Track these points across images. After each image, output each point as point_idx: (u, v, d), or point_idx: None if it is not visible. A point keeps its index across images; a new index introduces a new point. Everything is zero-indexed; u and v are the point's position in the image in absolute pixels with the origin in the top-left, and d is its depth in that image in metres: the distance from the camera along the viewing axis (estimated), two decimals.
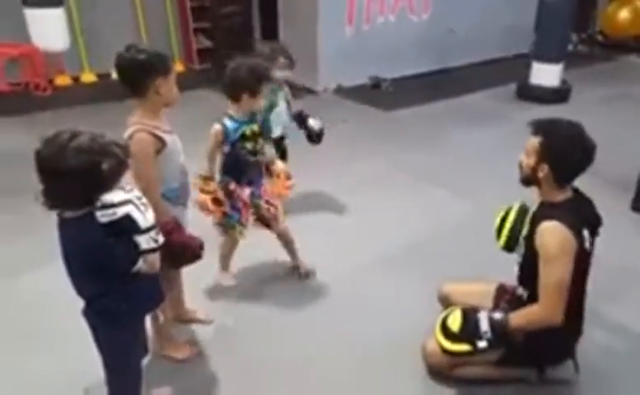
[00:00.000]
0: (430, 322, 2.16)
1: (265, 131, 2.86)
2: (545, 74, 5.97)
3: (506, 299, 2.16)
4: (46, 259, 2.92)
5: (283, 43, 3.25)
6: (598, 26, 8.95)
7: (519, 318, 1.94)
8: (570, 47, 7.68)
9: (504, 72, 7.11)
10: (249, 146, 2.50)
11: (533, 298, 1.97)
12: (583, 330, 2.08)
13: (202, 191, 2.45)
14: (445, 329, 2.02)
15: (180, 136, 2.09)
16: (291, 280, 2.86)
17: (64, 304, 1.90)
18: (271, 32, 6.78)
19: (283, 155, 3.28)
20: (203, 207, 2.47)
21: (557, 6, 5.72)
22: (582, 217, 1.95)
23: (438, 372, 2.17)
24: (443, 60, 7.48)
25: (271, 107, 3.17)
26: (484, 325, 1.94)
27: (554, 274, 1.86)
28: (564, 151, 1.91)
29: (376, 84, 6.68)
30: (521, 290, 2.09)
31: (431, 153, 4.64)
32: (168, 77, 1.87)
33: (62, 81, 6.49)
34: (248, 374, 2.23)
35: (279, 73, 3.11)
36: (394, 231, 3.33)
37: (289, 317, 2.59)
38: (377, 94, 6.51)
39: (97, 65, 6.63)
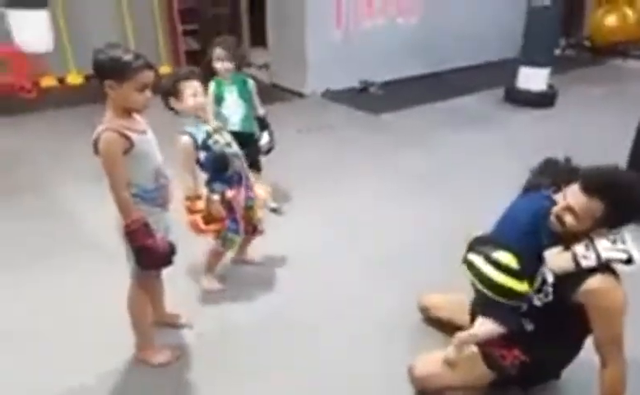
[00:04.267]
0: (410, 334, 2.10)
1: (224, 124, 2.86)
2: (533, 78, 6.00)
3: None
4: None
5: (227, 38, 3.20)
6: (586, 32, 9.03)
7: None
8: (557, 51, 7.74)
9: (493, 76, 7.14)
10: (221, 139, 2.45)
11: (541, 335, 1.90)
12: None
13: (191, 212, 2.40)
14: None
15: (161, 140, 2.06)
16: (278, 283, 2.83)
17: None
18: (259, 35, 6.76)
19: (253, 163, 3.24)
20: (195, 229, 2.42)
21: (545, 13, 5.75)
22: None
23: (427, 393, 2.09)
24: (432, 64, 7.50)
25: (219, 101, 3.18)
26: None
27: (616, 330, 1.74)
28: (628, 211, 1.70)
29: (364, 87, 6.68)
30: (525, 323, 1.95)
31: (420, 156, 4.63)
32: (122, 84, 1.83)
33: (48, 82, 6.43)
34: (229, 380, 2.20)
35: (218, 65, 3.09)
36: (382, 235, 3.31)
37: (272, 322, 2.55)
38: (366, 97, 6.50)
39: (83, 66, 6.58)
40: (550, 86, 6.13)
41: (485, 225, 2.00)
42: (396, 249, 3.13)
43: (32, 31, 5.46)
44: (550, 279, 1.83)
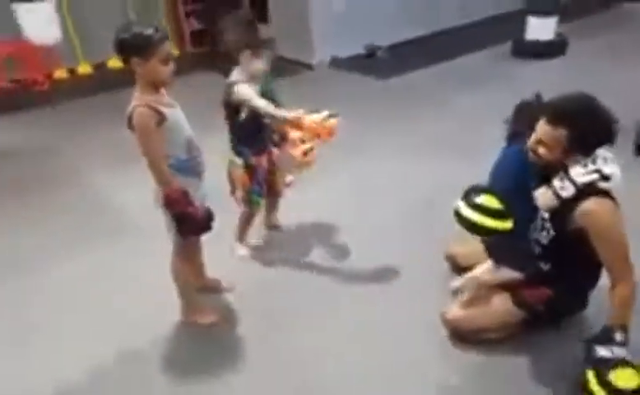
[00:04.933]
0: (437, 284, 2.21)
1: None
2: (540, 28, 5.94)
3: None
4: (61, 251, 3.08)
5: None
6: None
7: (617, 312, 1.83)
8: None
9: (500, 31, 7.04)
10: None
11: (558, 268, 1.99)
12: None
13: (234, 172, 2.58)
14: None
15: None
16: (307, 245, 2.96)
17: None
18: (260, 8, 6.73)
19: None
20: (242, 183, 2.58)
21: None
22: None
23: (459, 335, 2.18)
24: (437, 23, 7.42)
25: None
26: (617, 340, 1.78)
27: (617, 248, 1.81)
28: (596, 135, 1.82)
29: (371, 53, 6.65)
30: (540, 263, 2.05)
31: (431, 118, 4.67)
32: (148, 59, 1.89)
33: (59, 74, 6.50)
34: (276, 333, 2.34)
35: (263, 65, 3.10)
36: (403, 193, 3.41)
37: (308, 280, 2.69)
38: (374, 62, 6.48)
39: (91, 56, 6.63)
40: (559, 35, 6.06)
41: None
42: (419, 205, 3.24)
43: (38, 23, 5.53)
44: (546, 215, 1.94)
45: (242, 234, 2.88)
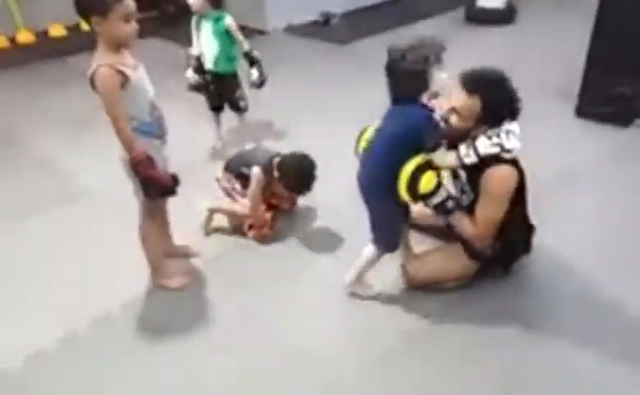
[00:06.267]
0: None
1: None
2: None
3: None
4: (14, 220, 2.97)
5: None
6: None
7: (462, 221, 2.07)
8: None
9: None
10: None
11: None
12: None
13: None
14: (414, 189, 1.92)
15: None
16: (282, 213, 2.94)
17: None
18: None
19: (233, 103, 3.38)
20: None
21: None
22: None
23: (416, 285, 2.29)
24: None
25: (198, 38, 3.25)
26: (444, 193, 1.96)
27: (493, 211, 1.99)
28: (505, 106, 1.94)
29: (326, 20, 6.59)
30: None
31: (378, 83, 4.68)
32: (106, 16, 1.83)
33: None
34: (244, 298, 2.36)
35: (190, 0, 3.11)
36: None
37: (280, 244, 2.71)
38: (329, 29, 6.43)
39: (33, 24, 6.25)
40: (509, 3, 6.19)
41: None
42: None
43: None
44: (464, 179, 2.10)
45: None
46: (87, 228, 2.89)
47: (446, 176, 2.06)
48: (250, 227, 2.72)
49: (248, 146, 2.93)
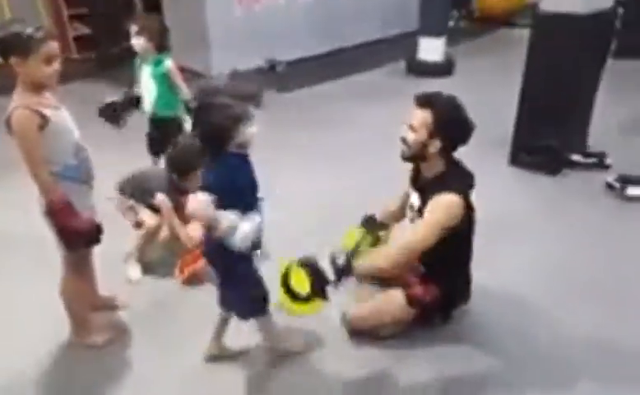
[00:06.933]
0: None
1: None
2: (430, 49, 6.30)
3: None
4: None
5: (146, 15, 3.16)
6: (475, 3, 9.57)
7: (366, 263, 2.02)
8: (452, 23, 8.15)
9: (394, 50, 7.36)
10: None
11: (431, 272, 2.16)
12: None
13: None
14: (292, 292, 1.90)
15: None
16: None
17: None
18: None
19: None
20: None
21: None
22: (468, 180, 2.08)
23: (358, 333, 2.27)
24: (336, 40, 7.58)
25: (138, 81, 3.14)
26: (331, 275, 1.89)
27: (419, 237, 1.97)
28: (455, 123, 2.00)
29: (271, 66, 6.62)
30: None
31: (331, 129, 4.72)
32: (27, 58, 1.76)
33: None
34: (172, 353, 2.24)
35: (133, 40, 3.01)
36: (299, 207, 3.37)
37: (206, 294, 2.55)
38: (273, 76, 6.45)
39: None
40: (447, 57, 6.47)
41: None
42: (313, 218, 3.23)
43: None
44: (416, 206, 2.13)
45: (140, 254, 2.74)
46: (7, 278, 2.69)
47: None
48: (181, 271, 2.61)
49: (140, 169, 2.83)
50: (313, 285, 1.85)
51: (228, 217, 1.72)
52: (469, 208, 2.03)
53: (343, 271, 1.91)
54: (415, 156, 2.07)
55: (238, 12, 6.41)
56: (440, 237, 1.95)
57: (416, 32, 6.48)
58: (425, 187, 2.09)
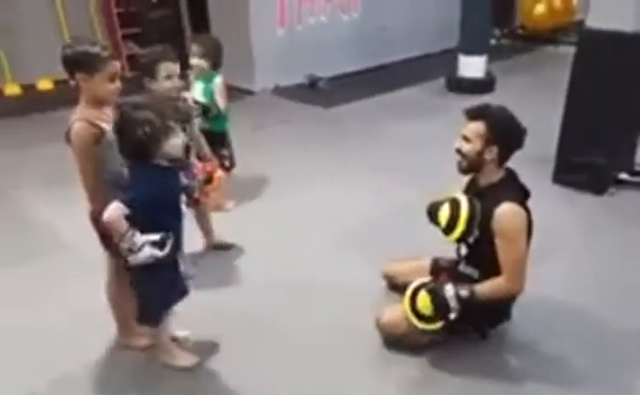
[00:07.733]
0: (377, 299, 2.31)
1: None
2: (471, 66, 6.29)
3: (446, 275, 2.25)
4: None
5: (205, 36, 3.46)
6: (518, 21, 9.49)
7: (485, 290, 2.05)
8: (493, 41, 8.11)
9: (435, 67, 7.37)
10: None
11: (485, 275, 2.11)
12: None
13: None
14: (417, 313, 2.11)
15: None
16: (247, 272, 2.93)
17: None
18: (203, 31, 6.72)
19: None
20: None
21: (477, 2, 6.06)
22: (523, 191, 2.12)
23: (393, 341, 2.28)
24: (376, 57, 7.67)
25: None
26: (453, 302, 2.02)
27: (516, 251, 2.01)
28: (510, 130, 2.06)
29: (313, 82, 6.77)
30: (470, 270, 2.22)
31: (369, 145, 4.78)
32: (93, 75, 1.90)
33: None
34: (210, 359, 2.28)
35: (193, 61, 3.18)
36: (341, 218, 3.44)
37: (243, 304, 2.62)
38: (315, 92, 6.59)
39: (21, 76, 6.32)
40: (488, 74, 6.44)
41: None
42: (357, 229, 3.29)
43: None
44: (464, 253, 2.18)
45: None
46: (59, 282, 2.83)
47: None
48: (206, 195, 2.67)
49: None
50: (435, 311, 2.05)
51: (132, 239, 1.80)
52: (528, 216, 2.06)
53: (466, 302, 2.01)
54: (472, 166, 2.11)
55: (280, 32, 6.61)
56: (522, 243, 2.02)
57: (457, 49, 6.49)
58: (483, 192, 2.12)
